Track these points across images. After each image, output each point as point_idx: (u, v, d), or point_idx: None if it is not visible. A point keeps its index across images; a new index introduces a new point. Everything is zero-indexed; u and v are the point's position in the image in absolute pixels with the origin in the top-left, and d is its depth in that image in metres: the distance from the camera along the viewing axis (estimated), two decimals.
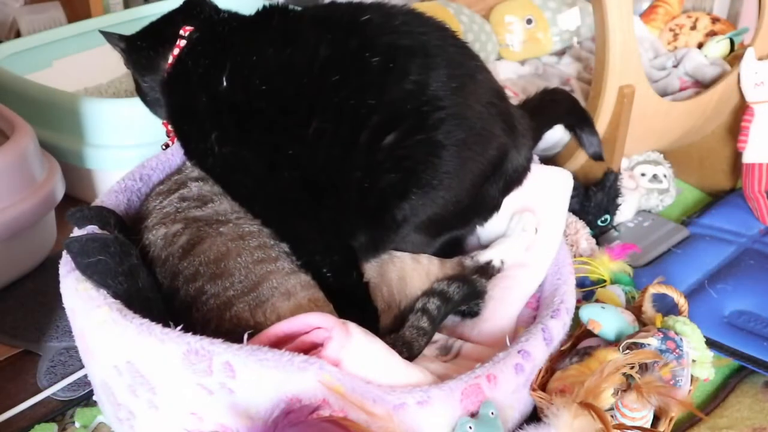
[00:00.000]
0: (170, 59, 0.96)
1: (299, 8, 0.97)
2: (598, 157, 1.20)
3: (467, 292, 0.96)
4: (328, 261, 0.91)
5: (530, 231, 1.02)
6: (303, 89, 0.89)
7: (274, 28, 0.94)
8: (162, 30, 0.99)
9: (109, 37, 1.01)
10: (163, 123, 1.02)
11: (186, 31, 0.96)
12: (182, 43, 0.96)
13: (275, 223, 0.93)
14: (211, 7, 1.01)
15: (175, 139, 1.01)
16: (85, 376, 0.98)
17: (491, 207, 0.99)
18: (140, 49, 0.99)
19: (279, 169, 0.91)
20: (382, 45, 0.88)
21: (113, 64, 1.03)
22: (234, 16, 0.99)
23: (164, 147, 1.04)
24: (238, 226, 0.92)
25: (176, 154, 1.09)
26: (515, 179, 1.01)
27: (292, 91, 0.90)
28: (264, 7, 0.98)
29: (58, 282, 0.85)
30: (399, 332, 0.89)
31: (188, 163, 1.03)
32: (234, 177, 0.95)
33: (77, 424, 0.94)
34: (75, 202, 1.24)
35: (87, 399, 0.97)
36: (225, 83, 0.91)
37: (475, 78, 0.92)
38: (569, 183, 1.08)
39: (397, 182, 0.88)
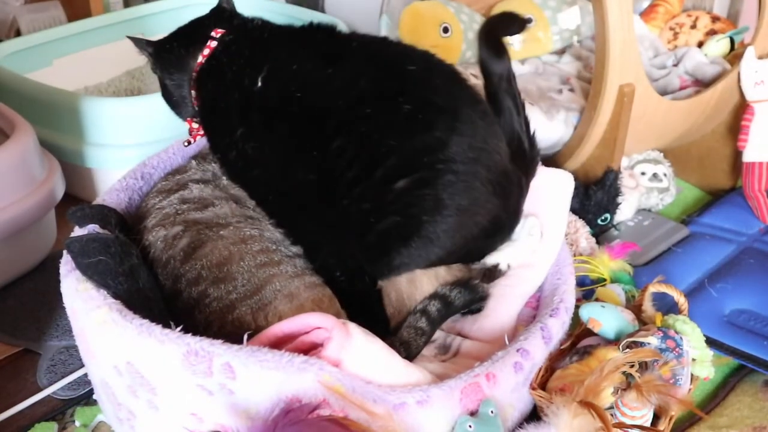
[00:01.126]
0: (200, 58, 1.00)
1: (346, 31, 1.02)
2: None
3: (468, 298, 0.96)
4: (342, 265, 0.92)
5: (536, 235, 1.03)
6: (336, 109, 0.92)
7: (318, 44, 0.98)
8: (192, 32, 1.04)
9: (137, 42, 1.05)
10: (186, 120, 1.05)
11: (218, 33, 1.00)
12: (213, 44, 1.00)
13: (289, 226, 0.95)
14: (238, 14, 1.06)
15: (197, 137, 1.04)
16: (85, 375, 0.98)
17: (480, 256, 1.02)
18: (170, 50, 1.03)
19: (296, 169, 0.93)
20: (418, 97, 0.91)
21: (113, 63, 1.04)
22: (268, 24, 1.03)
23: (186, 144, 1.08)
24: (239, 229, 0.92)
25: (177, 153, 1.10)
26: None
27: (325, 106, 0.92)
28: (311, 23, 1.02)
29: (58, 281, 0.85)
30: (397, 333, 0.89)
31: (192, 163, 1.04)
32: (254, 173, 0.97)
33: (77, 423, 0.94)
34: (75, 201, 1.24)
35: (87, 398, 0.97)
36: (260, 84, 0.94)
37: (492, 155, 0.94)
38: (570, 185, 1.08)
39: (400, 227, 0.90)
